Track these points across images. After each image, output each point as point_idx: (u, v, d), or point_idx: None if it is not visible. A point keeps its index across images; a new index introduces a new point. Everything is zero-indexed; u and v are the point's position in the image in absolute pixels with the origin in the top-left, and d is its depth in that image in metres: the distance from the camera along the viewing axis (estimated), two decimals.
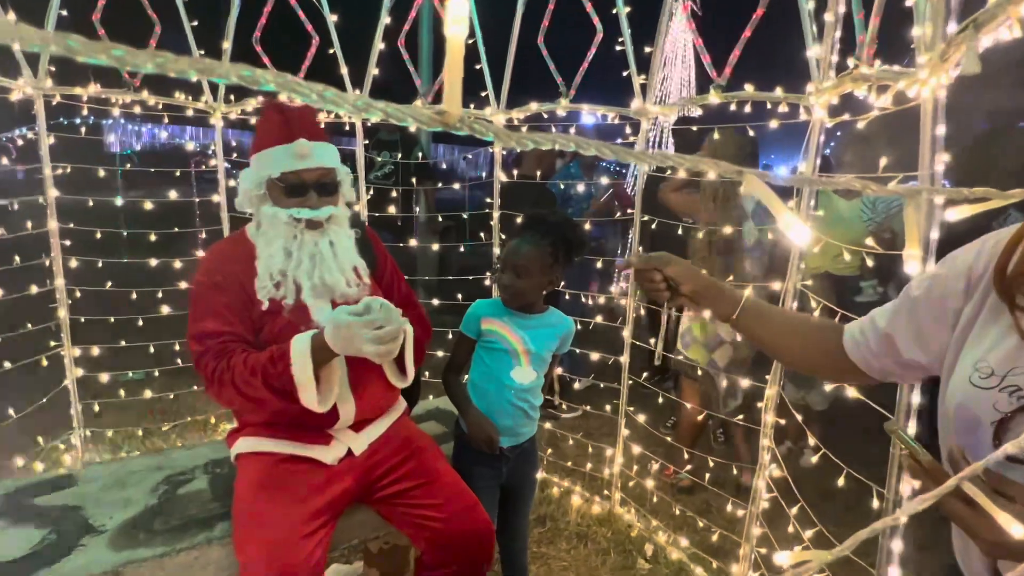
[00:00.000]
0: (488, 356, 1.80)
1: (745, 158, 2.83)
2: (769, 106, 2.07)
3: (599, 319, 3.04)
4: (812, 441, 2.00)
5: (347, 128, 3.25)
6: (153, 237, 3.15)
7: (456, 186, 4.07)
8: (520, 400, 1.80)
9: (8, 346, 2.69)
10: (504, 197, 3.08)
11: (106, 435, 3.24)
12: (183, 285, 3.04)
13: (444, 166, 5.43)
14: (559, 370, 3.32)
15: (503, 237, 3.06)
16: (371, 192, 3.41)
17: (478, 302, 1.86)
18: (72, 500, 1.77)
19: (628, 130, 2.78)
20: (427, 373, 3.14)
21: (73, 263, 2.92)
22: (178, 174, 3.39)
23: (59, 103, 2.72)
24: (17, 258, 2.84)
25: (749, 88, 2.08)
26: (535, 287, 1.77)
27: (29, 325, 2.91)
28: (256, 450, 1.64)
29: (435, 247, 4.06)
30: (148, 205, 3.08)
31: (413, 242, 3.71)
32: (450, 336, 3.15)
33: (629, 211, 2.73)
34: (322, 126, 1.68)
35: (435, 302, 3.34)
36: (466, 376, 1.92)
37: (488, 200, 3.16)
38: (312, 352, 1.47)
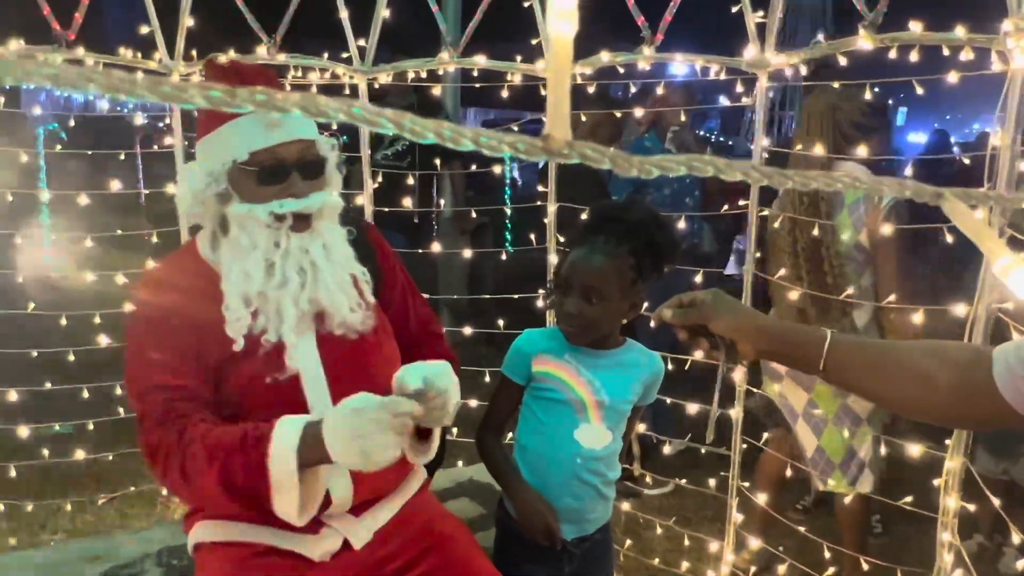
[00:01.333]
0: (543, 410, 1.79)
1: (868, 131, 2.80)
2: (947, 52, 2.03)
3: (699, 355, 3.00)
4: (1018, 538, 1.93)
5: (346, 92, 3.32)
6: (88, 242, 3.26)
7: (497, 170, 4.09)
8: (589, 472, 1.79)
9: None
10: (561, 183, 3.09)
11: (25, 509, 3.35)
12: (128, 307, 3.13)
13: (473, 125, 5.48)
14: (641, 428, 3.29)
15: (560, 240, 3.08)
16: (379, 178, 3.47)
17: (528, 333, 1.86)
18: None
19: (740, 88, 2.76)
20: (455, 429, 3.16)
21: None
22: (122, 157, 3.52)
23: None
24: None
25: (916, 27, 2.05)
26: (612, 315, 1.75)
27: None
28: (222, 539, 1.66)
29: (465, 253, 4.09)
30: (82, 199, 3.21)
31: (435, 247, 3.75)
32: (488, 379, 3.16)
33: (742, 203, 2.71)
34: (288, 88, 1.71)
35: (466, 331, 3.37)
36: (511, 435, 1.93)
37: (541, 188, 3.17)
38: (301, 449, 1.45)
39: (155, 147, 3.48)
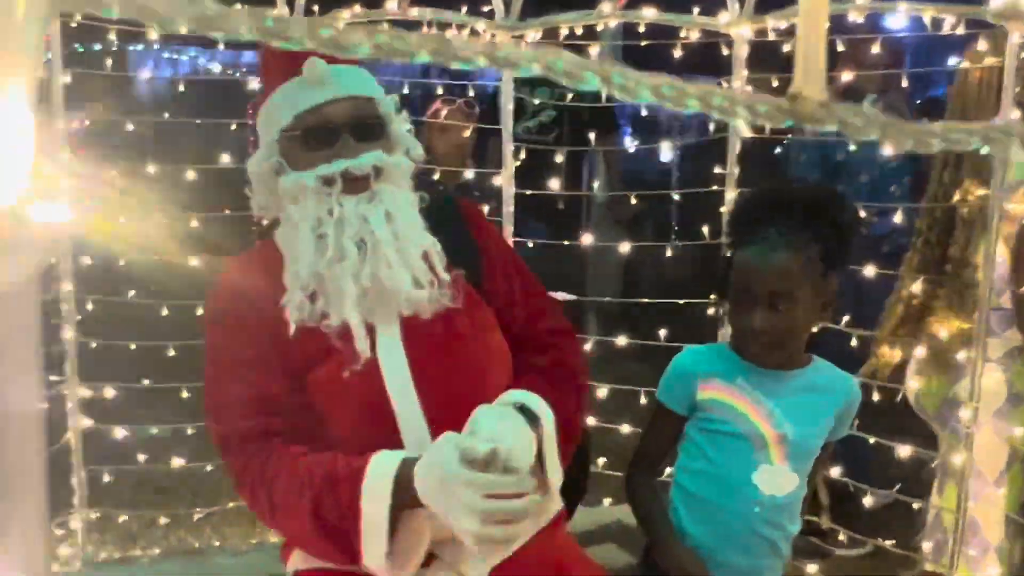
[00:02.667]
0: (711, 445, 1.76)
1: None
2: None
3: (912, 385, 2.85)
4: None
5: None
6: (193, 223, 3.45)
7: (665, 148, 4.02)
8: (768, 525, 1.75)
9: None
10: (744, 165, 3.01)
11: (117, 520, 3.58)
12: (205, 309, 3.29)
13: (643, 112, 5.43)
14: (831, 471, 3.15)
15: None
16: (521, 155, 3.48)
17: (690, 352, 1.84)
18: None
19: (983, 46, 2.60)
20: (601, 459, 3.14)
21: (86, 260, 3.30)
22: (234, 127, 3.71)
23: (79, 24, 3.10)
24: None
25: None
26: (806, 322, 1.72)
27: None
28: (326, 567, 1.69)
29: (622, 248, 4.04)
30: (190, 174, 3.40)
31: (586, 238, 3.73)
32: (643, 400, 3.12)
33: (980, 192, 2.54)
34: None
35: (620, 341, 3.33)
36: (667, 471, 1.93)
37: (718, 170, 3.09)
38: (396, 489, 1.51)
39: None
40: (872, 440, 2.95)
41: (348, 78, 1.71)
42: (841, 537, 3.56)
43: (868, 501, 3.60)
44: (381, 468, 1.54)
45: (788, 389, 1.75)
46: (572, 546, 1.84)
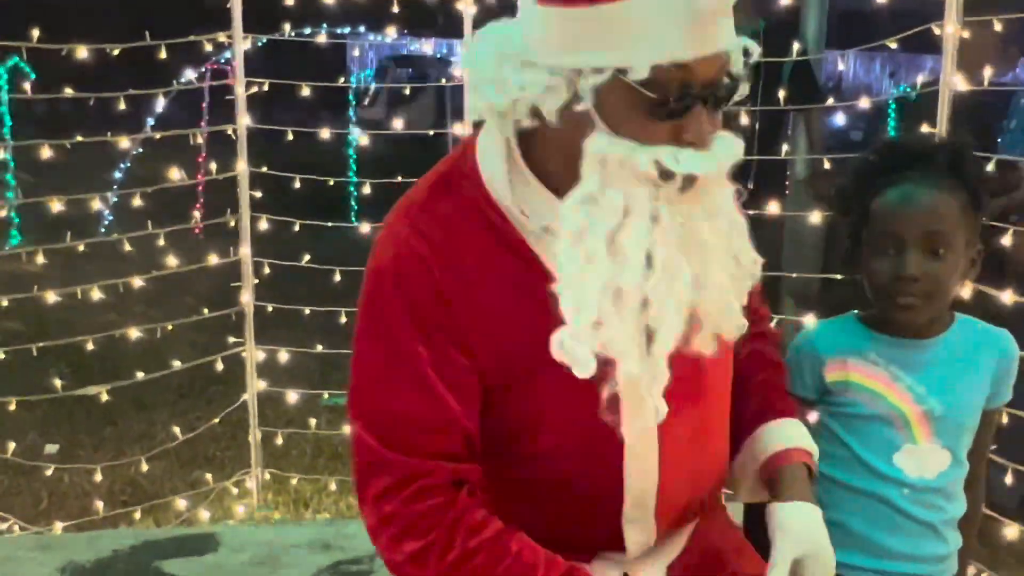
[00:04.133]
0: (845, 429, 1.64)
1: None
2: None
3: None
4: None
5: None
6: (367, 189, 3.47)
7: (865, 104, 3.68)
8: (921, 507, 1.62)
9: (177, 336, 3.24)
10: (958, 123, 2.70)
11: (290, 483, 3.68)
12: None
13: (840, 67, 5.04)
14: None
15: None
16: None
17: (811, 330, 1.72)
18: (204, 572, 2.04)
19: None
20: None
21: (264, 224, 3.38)
22: (407, 92, 3.69)
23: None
24: (196, 214, 3.39)
25: None
26: (958, 276, 1.58)
27: (206, 311, 3.44)
28: None
29: (816, 219, 3.74)
30: (363, 140, 3.41)
31: (775, 208, 3.48)
32: None
33: None
34: None
35: (808, 320, 3.08)
36: None
37: (928, 128, 2.79)
38: None
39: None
40: None
41: (729, 19, 1.19)
42: None
43: None
44: None
45: (929, 359, 1.61)
46: (734, 533, 1.64)
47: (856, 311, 1.69)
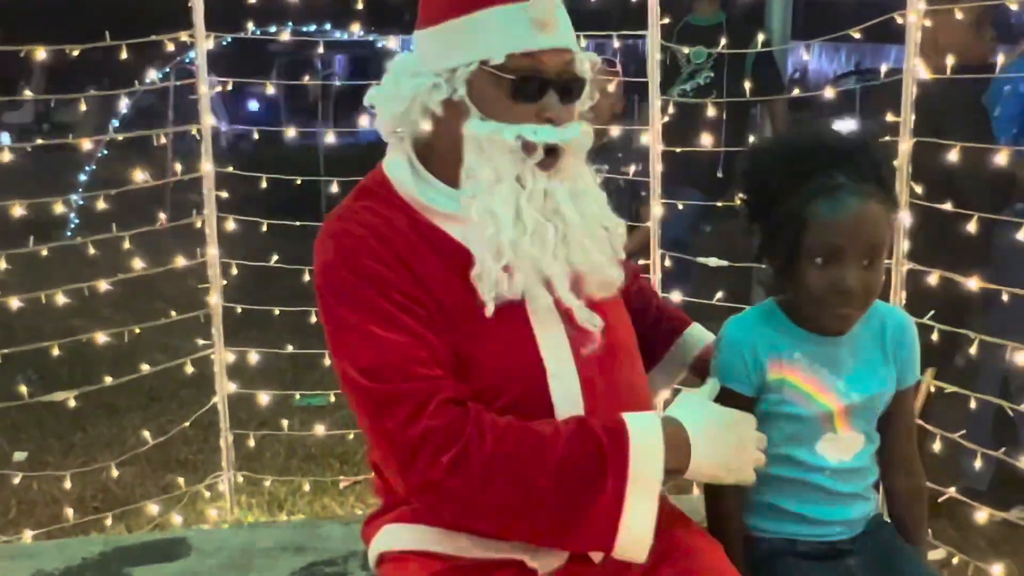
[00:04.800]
0: (775, 426, 1.65)
1: None
2: None
3: None
4: None
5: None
6: (335, 188, 3.45)
7: (830, 93, 3.70)
8: (842, 483, 1.69)
9: (146, 340, 3.21)
10: (923, 112, 2.74)
11: (264, 485, 3.66)
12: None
13: (806, 57, 5.07)
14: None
15: (916, 190, 2.76)
16: (670, 109, 3.29)
17: (742, 320, 1.70)
18: None
19: None
20: None
21: (231, 225, 3.35)
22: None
23: None
24: (162, 216, 3.35)
25: None
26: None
27: (173, 313, 3.41)
28: (417, 548, 1.59)
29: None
30: (329, 137, 3.39)
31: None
32: None
33: None
34: None
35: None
36: None
37: (892, 117, 2.82)
38: (667, 450, 1.45)
39: None
40: None
41: (566, 24, 1.53)
42: None
43: None
44: (646, 428, 1.45)
45: (848, 353, 1.65)
46: (680, 514, 1.71)
47: (773, 298, 1.69)
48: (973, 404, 2.80)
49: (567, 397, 1.53)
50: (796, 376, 1.64)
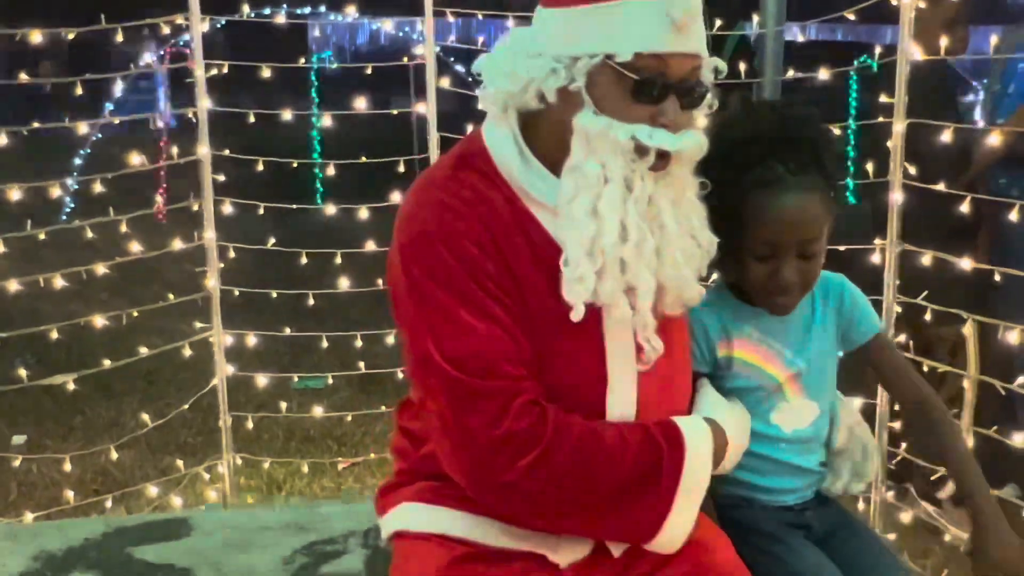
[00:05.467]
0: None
1: None
2: None
3: None
4: None
5: None
6: (331, 170, 3.46)
7: (824, 75, 3.71)
8: (799, 455, 1.75)
9: (143, 323, 3.22)
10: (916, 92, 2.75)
11: (263, 467, 3.68)
12: (370, 247, 3.29)
13: (800, 38, 5.03)
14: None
15: (911, 172, 2.78)
16: None
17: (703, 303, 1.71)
18: (177, 557, 2.03)
19: None
20: None
21: (227, 208, 3.36)
22: (370, 71, 3.69)
23: None
24: (159, 199, 3.36)
25: None
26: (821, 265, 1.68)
27: (171, 296, 3.42)
28: (436, 531, 1.58)
29: None
30: (325, 120, 3.39)
31: None
32: None
33: None
34: None
35: None
36: None
37: (885, 98, 2.85)
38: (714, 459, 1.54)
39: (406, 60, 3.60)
40: None
41: (700, 28, 1.45)
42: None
43: None
44: (698, 437, 1.51)
45: (793, 323, 1.70)
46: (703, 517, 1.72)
47: (722, 278, 1.75)
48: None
49: (621, 413, 1.53)
50: (744, 351, 1.70)
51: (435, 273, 1.44)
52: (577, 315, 1.43)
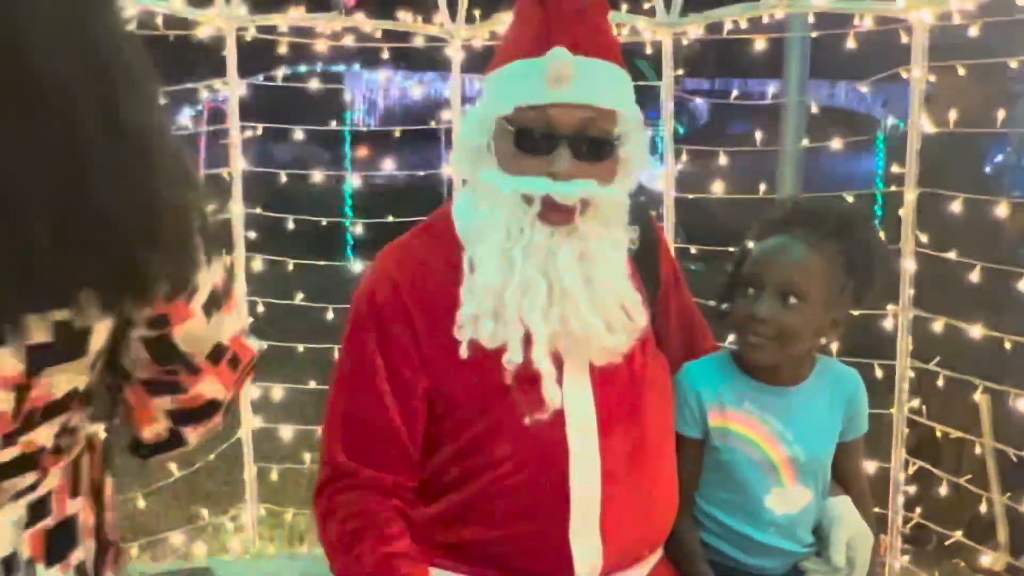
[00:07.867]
0: (725, 474, 1.74)
1: None
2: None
3: None
4: None
5: (648, 52, 3.27)
6: (359, 229, 3.56)
7: (835, 144, 3.79)
8: (786, 539, 1.75)
9: None
10: (926, 163, 2.81)
11: (285, 517, 3.75)
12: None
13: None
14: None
15: (921, 240, 2.83)
16: (682, 157, 3.37)
17: (691, 371, 1.75)
18: None
19: None
20: None
21: (258, 265, 3.47)
22: (398, 135, 3.82)
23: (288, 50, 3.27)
24: None
25: None
26: (811, 328, 1.66)
27: None
28: None
29: None
30: (354, 181, 3.52)
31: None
32: None
33: None
34: (613, 31, 1.61)
35: None
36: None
37: (897, 168, 2.89)
38: None
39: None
40: None
41: (592, 79, 1.48)
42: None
43: None
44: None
45: (795, 406, 1.71)
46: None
47: (729, 349, 1.78)
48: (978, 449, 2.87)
49: (585, 477, 1.54)
50: (740, 424, 1.70)
51: (352, 331, 1.61)
52: (463, 353, 1.50)
